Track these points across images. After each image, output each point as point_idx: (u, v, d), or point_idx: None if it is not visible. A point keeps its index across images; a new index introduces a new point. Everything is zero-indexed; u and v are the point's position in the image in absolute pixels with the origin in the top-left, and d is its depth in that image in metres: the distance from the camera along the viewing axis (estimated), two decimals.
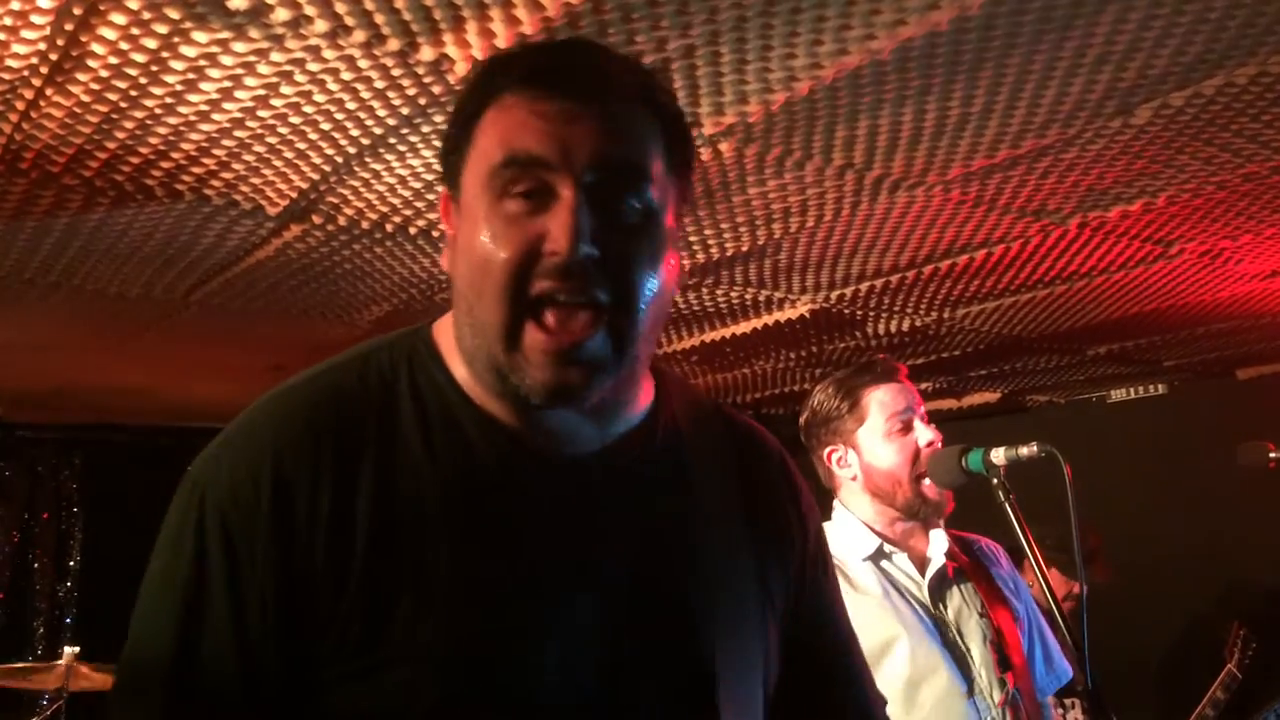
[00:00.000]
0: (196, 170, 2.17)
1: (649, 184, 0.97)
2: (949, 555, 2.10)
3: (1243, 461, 2.54)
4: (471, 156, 0.98)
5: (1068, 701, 3.17)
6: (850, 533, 2.11)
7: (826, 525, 2.17)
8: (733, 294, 3.32)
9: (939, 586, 2.08)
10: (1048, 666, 2.19)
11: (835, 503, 2.21)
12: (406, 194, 2.33)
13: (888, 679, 1.96)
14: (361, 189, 2.30)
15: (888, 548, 2.08)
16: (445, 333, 1.06)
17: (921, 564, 2.10)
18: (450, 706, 0.92)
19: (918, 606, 2.03)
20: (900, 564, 2.08)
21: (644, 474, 1.07)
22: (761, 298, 3.38)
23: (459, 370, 1.03)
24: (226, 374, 4.34)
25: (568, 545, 1.00)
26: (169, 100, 1.86)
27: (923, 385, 5.08)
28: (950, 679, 1.96)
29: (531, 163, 0.94)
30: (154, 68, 1.74)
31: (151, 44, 1.65)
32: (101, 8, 1.55)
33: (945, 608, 2.06)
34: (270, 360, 4.07)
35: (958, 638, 2.03)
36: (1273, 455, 2.52)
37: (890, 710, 1.92)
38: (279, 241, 2.62)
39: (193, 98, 1.85)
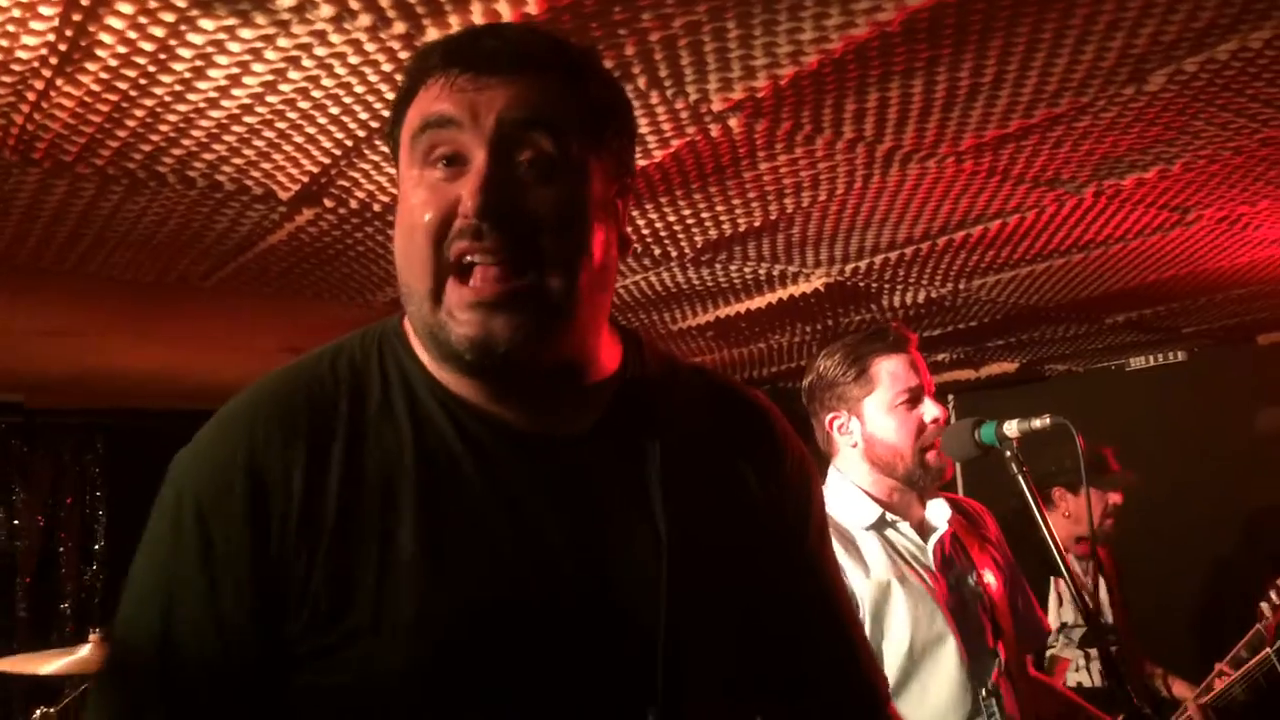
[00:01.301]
0: (208, 156, 2.17)
1: (564, 145, 0.99)
2: (949, 521, 2.10)
3: (1261, 427, 2.53)
4: (401, 135, 1.03)
5: (1090, 651, 3.18)
6: (851, 500, 2.11)
7: (826, 491, 2.18)
8: (746, 269, 3.32)
9: (941, 554, 2.08)
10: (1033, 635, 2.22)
11: (831, 468, 2.20)
12: None
13: (894, 646, 1.97)
14: (372, 172, 2.31)
15: (890, 516, 2.08)
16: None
17: (923, 530, 2.10)
18: (415, 676, 0.95)
19: (924, 573, 2.03)
20: (904, 531, 2.08)
21: (608, 443, 1.07)
22: (775, 272, 3.37)
23: (425, 353, 1.07)
24: (244, 356, 4.37)
25: (533, 516, 1.01)
26: (178, 88, 1.87)
27: (940, 356, 5.06)
28: (954, 649, 1.96)
29: (442, 123, 0.98)
30: (162, 56, 1.74)
31: (159, 32, 1.66)
32: None
33: (948, 574, 2.07)
34: (286, 342, 4.09)
35: (963, 605, 2.03)
36: None
37: (895, 678, 1.94)
38: (292, 226, 2.63)
39: (201, 85, 1.86)
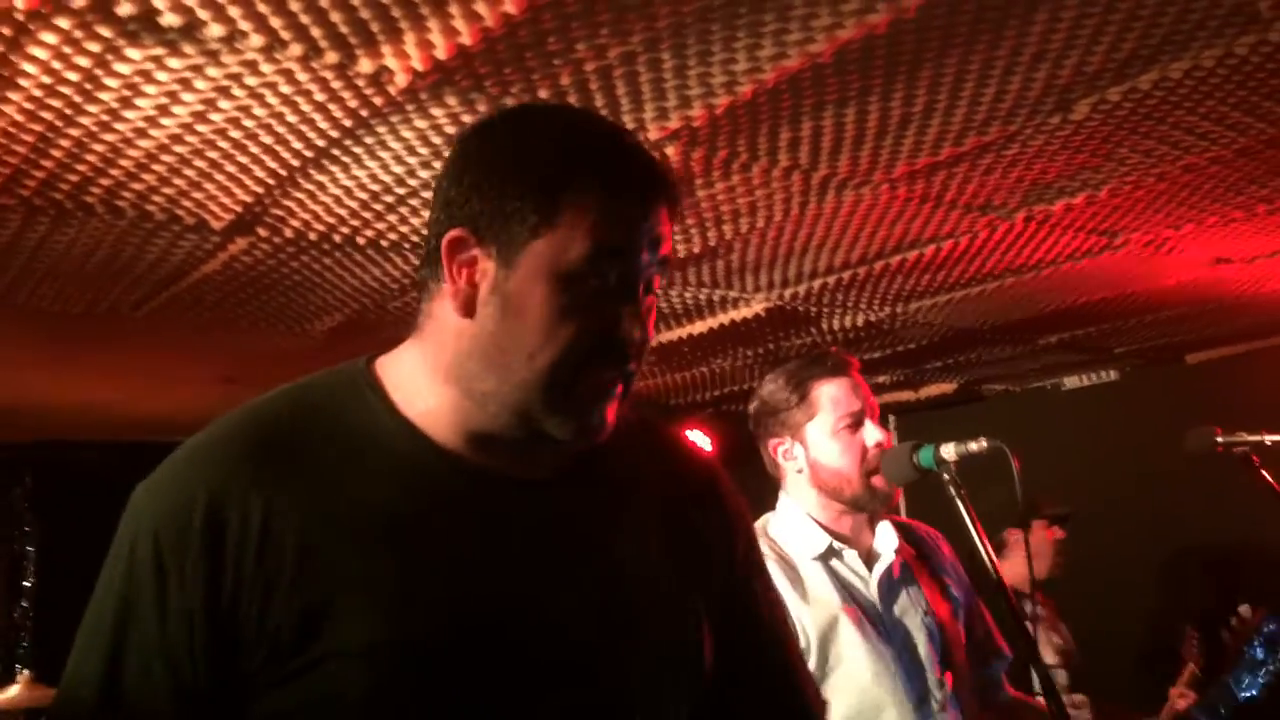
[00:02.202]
0: (137, 186, 2.14)
1: None
2: (897, 550, 2.11)
3: (1190, 447, 2.57)
4: (547, 232, 1.02)
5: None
6: (798, 529, 2.11)
7: (772, 518, 2.18)
8: (687, 294, 3.33)
9: (887, 584, 2.08)
10: (990, 655, 2.23)
11: (781, 494, 2.19)
12: (353, 205, 2.32)
13: (839, 679, 1.97)
14: (307, 201, 2.28)
15: (837, 545, 2.08)
16: (390, 366, 1.12)
17: (869, 560, 2.10)
18: (379, 696, 0.95)
19: (868, 607, 2.03)
20: (850, 562, 2.08)
21: (575, 489, 1.12)
22: (716, 297, 3.39)
23: (401, 398, 1.08)
24: (179, 387, 4.29)
25: (497, 554, 1.04)
26: (105, 117, 1.83)
27: (880, 378, 5.11)
28: (899, 683, 1.97)
29: (616, 254, 1.03)
30: (88, 85, 1.71)
31: (84, 62, 1.63)
32: (31, 27, 1.52)
33: (893, 606, 2.07)
34: (223, 372, 4.03)
35: (906, 636, 2.04)
36: (1219, 440, 2.55)
37: (841, 713, 1.95)
38: (225, 255, 2.59)
39: (129, 114, 1.83)
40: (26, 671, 3.96)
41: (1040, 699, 2.55)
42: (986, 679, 2.23)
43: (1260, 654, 2.73)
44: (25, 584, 5.46)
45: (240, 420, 1.06)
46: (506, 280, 1.03)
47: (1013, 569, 3.21)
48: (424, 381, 1.08)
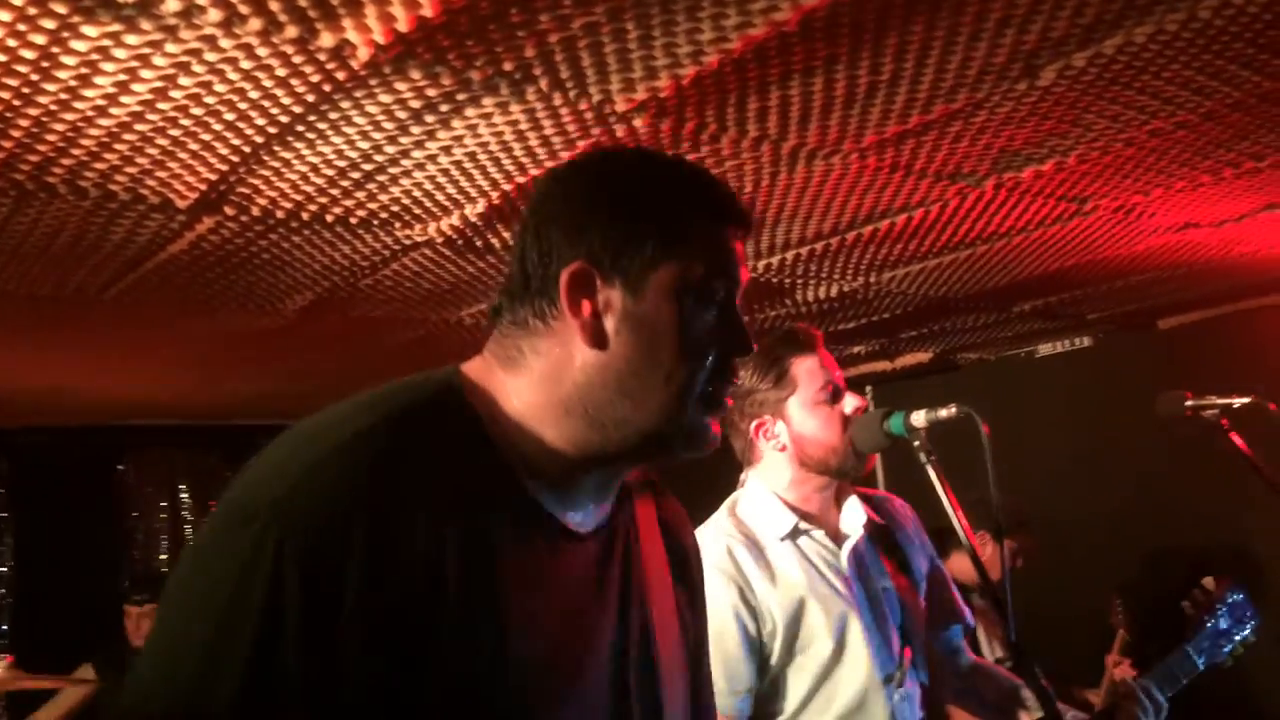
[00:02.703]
0: (99, 166, 2.11)
1: None
2: (864, 524, 2.12)
3: (1160, 412, 2.60)
4: (667, 259, 1.09)
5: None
6: (766, 509, 2.11)
7: (741, 498, 2.19)
8: None
9: (853, 562, 2.10)
10: (950, 619, 2.25)
11: (750, 475, 2.20)
12: (320, 181, 2.30)
13: (807, 659, 1.99)
14: (273, 178, 2.26)
15: (804, 525, 2.09)
16: (485, 388, 1.11)
17: (837, 538, 2.11)
18: None
19: (836, 584, 2.05)
20: (818, 539, 2.09)
21: (618, 547, 1.18)
22: None
23: (499, 425, 1.09)
24: (153, 370, 4.27)
25: (576, 615, 1.09)
26: (64, 96, 1.81)
27: (855, 348, 5.13)
28: (867, 660, 1.99)
29: (725, 274, 1.13)
30: (44, 64, 1.68)
31: (40, 40, 1.60)
32: None
33: (859, 583, 2.08)
34: (195, 352, 4.01)
35: (871, 614, 2.05)
36: (1189, 404, 2.57)
37: (810, 694, 1.97)
38: (192, 235, 2.56)
39: (88, 93, 1.80)
40: (7, 656, 3.94)
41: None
42: (946, 644, 2.25)
43: (1224, 624, 2.77)
44: (2, 570, 5.44)
45: (365, 449, 0.99)
46: (635, 306, 1.07)
47: (965, 566, 3.24)
48: (529, 413, 1.09)
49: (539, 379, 1.09)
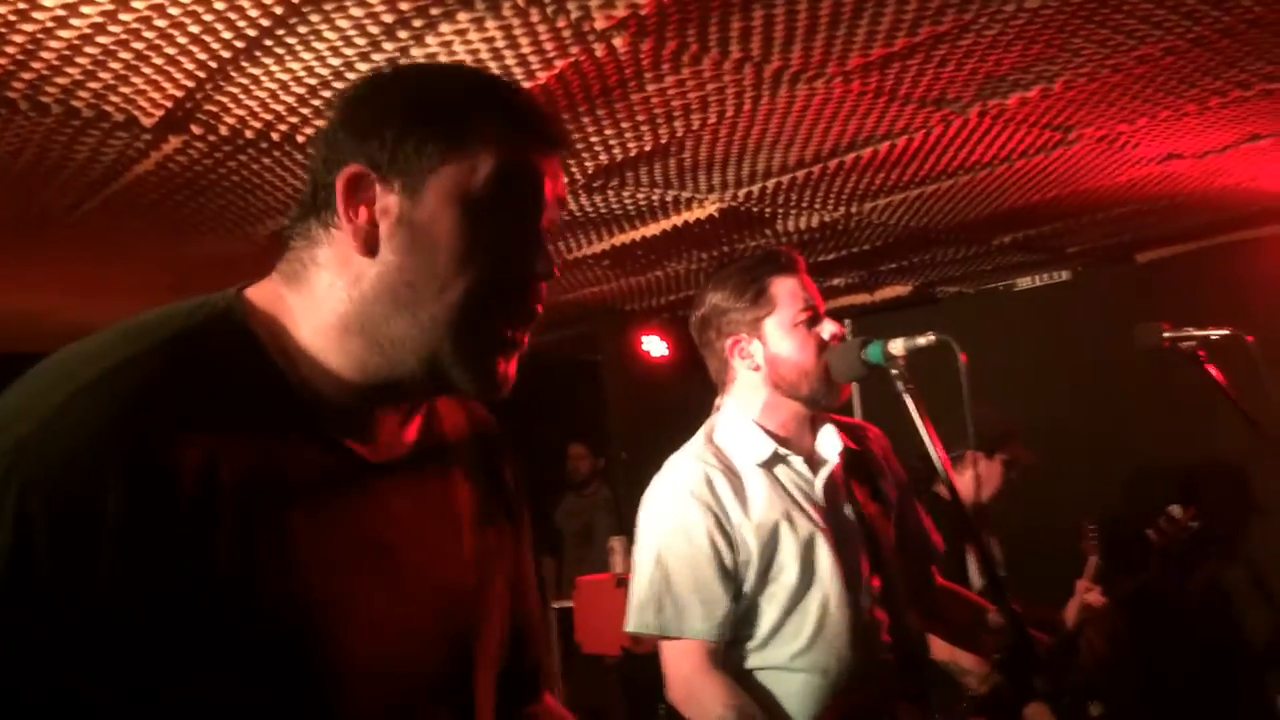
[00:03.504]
0: (60, 81, 2.04)
1: None
2: (840, 453, 2.11)
3: (1138, 343, 2.59)
4: (453, 158, 1.00)
5: None
6: (744, 434, 2.09)
7: (718, 423, 2.17)
8: (640, 195, 3.28)
9: (830, 489, 2.09)
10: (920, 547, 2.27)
11: (726, 400, 2.18)
12: (290, 100, 2.24)
13: (779, 586, 1.99)
14: (241, 96, 2.20)
15: (782, 451, 2.07)
16: (271, 315, 1.02)
17: (814, 464, 2.10)
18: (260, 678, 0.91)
19: (810, 512, 2.04)
20: (795, 466, 2.08)
21: (424, 467, 1.10)
22: (669, 198, 3.35)
23: (286, 354, 1.00)
24: (123, 294, 4.19)
25: (369, 538, 1.01)
26: (21, 5, 1.74)
27: (835, 280, 5.12)
28: (838, 587, 1.99)
29: (521, 176, 1.02)
30: None
31: None
32: None
33: (834, 511, 2.08)
34: (168, 278, 3.94)
35: (844, 542, 2.05)
36: (1166, 335, 2.56)
37: (781, 620, 1.99)
38: (159, 155, 2.50)
39: (47, 2, 1.74)
40: None
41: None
42: (916, 572, 2.26)
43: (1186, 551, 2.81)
44: None
45: (122, 379, 0.90)
46: (412, 211, 0.98)
47: (959, 486, 3.25)
48: (312, 331, 1.01)
49: (320, 294, 1.01)
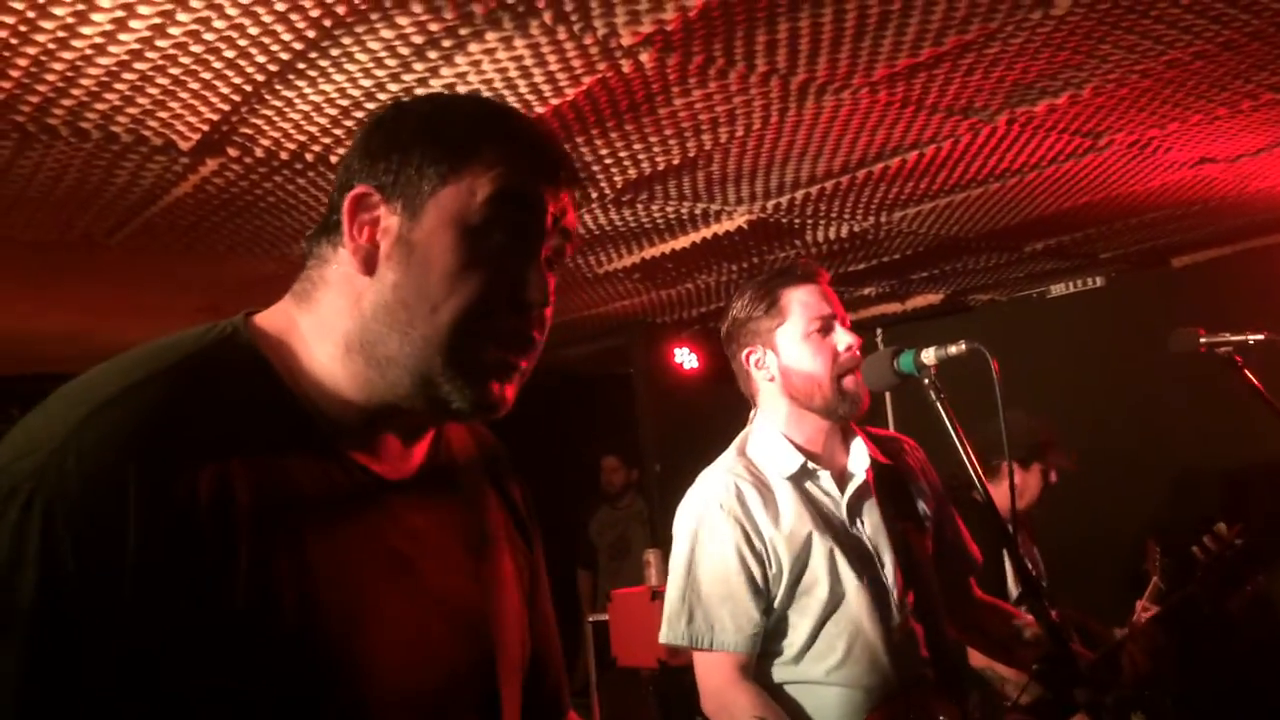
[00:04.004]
0: (100, 106, 2.09)
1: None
2: (868, 469, 2.10)
3: (1174, 349, 2.57)
4: (453, 181, 1.01)
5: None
6: (774, 448, 2.10)
7: (750, 436, 2.17)
8: (669, 209, 3.30)
9: (858, 504, 2.08)
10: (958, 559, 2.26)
11: (756, 414, 2.18)
12: (323, 121, 2.27)
13: (810, 604, 1.99)
14: (275, 118, 2.24)
15: (811, 465, 2.07)
16: (278, 336, 1.03)
17: (842, 479, 2.10)
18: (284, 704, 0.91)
19: (840, 527, 2.03)
20: (823, 483, 2.07)
21: (435, 488, 1.11)
22: (698, 211, 3.36)
23: (293, 375, 1.01)
24: (159, 316, 4.26)
25: (389, 558, 1.02)
26: (61, 34, 1.79)
27: (866, 290, 5.10)
28: (869, 602, 1.98)
29: (519, 203, 1.02)
30: (40, 1, 1.66)
31: None
32: None
33: (864, 525, 2.07)
34: (203, 300, 4.00)
35: (874, 556, 2.04)
36: (1203, 340, 2.54)
37: (813, 635, 1.98)
38: (196, 177, 2.55)
39: (85, 30, 1.78)
40: None
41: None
42: (953, 584, 2.25)
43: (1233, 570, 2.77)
44: None
45: (133, 407, 0.91)
46: (411, 231, 1.00)
47: (996, 495, 3.20)
48: (321, 351, 1.02)
49: (326, 314, 1.02)
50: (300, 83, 2.06)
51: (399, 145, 1.02)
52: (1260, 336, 2.45)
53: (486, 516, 1.17)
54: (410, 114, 1.06)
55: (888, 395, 5.17)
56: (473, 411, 1.01)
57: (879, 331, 5.52)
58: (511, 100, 2.24)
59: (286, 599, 0.92)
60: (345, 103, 2.18)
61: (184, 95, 2.06)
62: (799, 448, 2.08)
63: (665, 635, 2.05)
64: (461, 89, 2.15)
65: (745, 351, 2.13)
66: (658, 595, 4.14)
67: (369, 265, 1.00)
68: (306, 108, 2.19)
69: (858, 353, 2.06)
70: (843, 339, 2.06)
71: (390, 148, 1.02)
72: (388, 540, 1.02)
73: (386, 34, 1.89)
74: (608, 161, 2.75)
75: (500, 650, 1.10)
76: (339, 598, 0.96)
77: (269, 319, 1.05)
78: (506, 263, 1.01)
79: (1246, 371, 2.46)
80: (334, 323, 1.02)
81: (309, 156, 2.48)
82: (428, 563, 1.05)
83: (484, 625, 1.09)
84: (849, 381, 2.04)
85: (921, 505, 2.19)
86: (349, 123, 2.29)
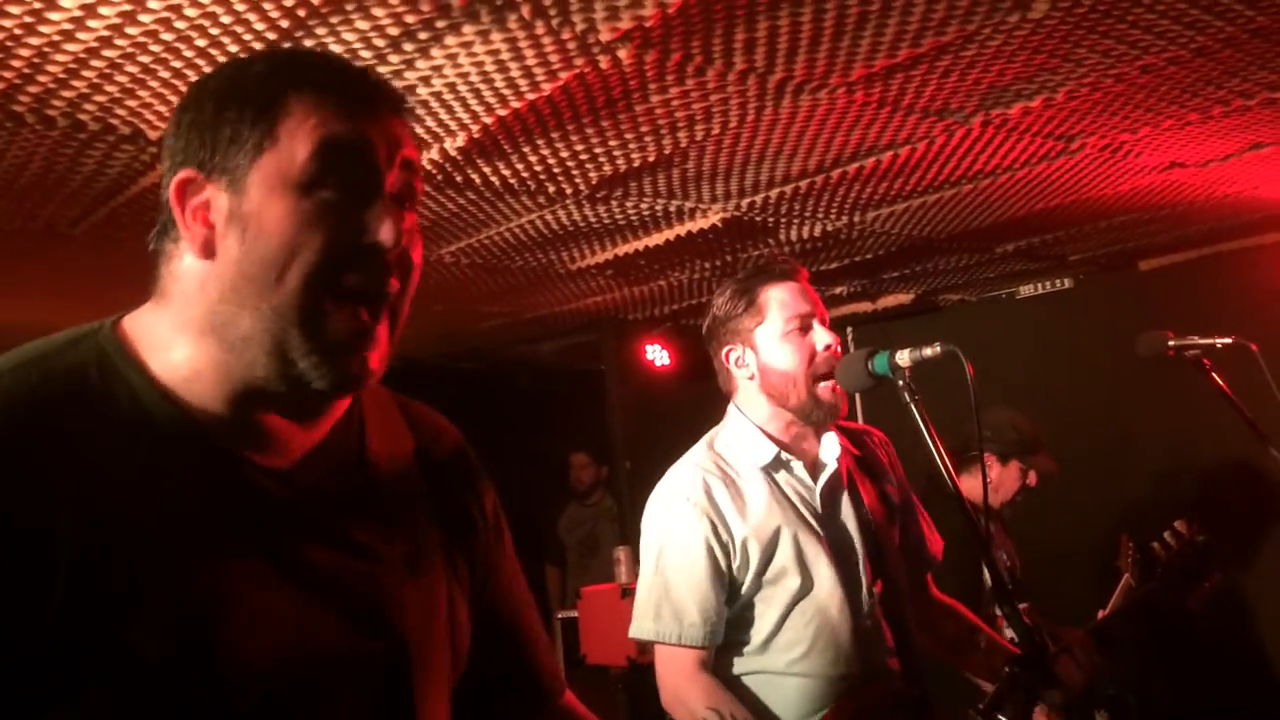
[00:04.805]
0: (66, 94, 2.05)
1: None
2: (839, 458, 2.11)
3: (1142, 352, 2.59)
4: (270, 146, 0.97)
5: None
6: (747, 439, 2.10)
7: (720, 431, 2.17)
8: (643, 206, 3.28)
9: (830, 493, 2.09)
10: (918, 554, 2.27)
11: (731, 406, 2.19)
12: None
13: (778, 594, 1.99)
14: None
15: (784, 455, 2.08)
16: (140, 333, 1.02)
17: (815, 469, 2.11)
18: (159, 702, 0.90)
19: (809, 518, 2.04)
20: (796, 472, 2.08)
21: (340, 474, 1.07)
22: (672, 208, 3.35)
23: (159, 367, 0.99)
24: (123, 307, 4.19)
25: (268, 549, 0.98)
26: (28, 19, 1.75)
27: (837, 289, 5.12)
28: (838, 592, 1.99)
29: (344, 150, 0.98)
30: None
31: None
32: None
33: (835, 514, 2.08)
34: None
35: (845, 545, 2.05)
36: (1171, 343, 2.56)
37: (779, 624, 1.98)
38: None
39: (53, 16, 1.74)
40: None
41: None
42: (914, 578, 2.26)
43: (1191, 566, 2.80)
44: None
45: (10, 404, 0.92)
46: (241, 205, 0.96)
47: (971, 487, 3.20)
48: (179, 343, 0.99)
49: (179, 308, 0.99)
50: None
51: (206, 122, 0.98)
52: (1228, 340, 2.48)
53: (408, 506, 1.12)
54: (209, 88, 1.01)
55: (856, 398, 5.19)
56: (333, 385, 0.98)
57: (850, 330, 5.54)
58: (487, 95, 2.22)
59: (150, 601, 0.90)
60: None
61: (153, 84, 2.03)
62: (773, 439, 2.09)
63: (634, 630, 2.06)
64: (437, 82, 2.13)
65: (725, 350, 2.14)
66: (627, 593, 4.13)
67: (208, 250, 0.97)
68: None
69: (838, 350, 2.06)
70: (822, 338, 2.06)
71: (200, 126, 0.98)
72: (264, 529, 0.98)
73: (362, 25, 1.86)
74: (583, 158, 2.73)
75: (414, 645, 1.06)
76: (210, 597, 0.93)
77: (132, 320, 1.03)
78: (346, 213, 0.97)
79: (1214, 375, 2.48)
80: (187, 315, 0.99)
81: None
82: (318, 552, 1.01)
83: (387, 617, 1.04)
84: (825, 390, 2.04)
85: (890, 495, 2.20)
86: None
